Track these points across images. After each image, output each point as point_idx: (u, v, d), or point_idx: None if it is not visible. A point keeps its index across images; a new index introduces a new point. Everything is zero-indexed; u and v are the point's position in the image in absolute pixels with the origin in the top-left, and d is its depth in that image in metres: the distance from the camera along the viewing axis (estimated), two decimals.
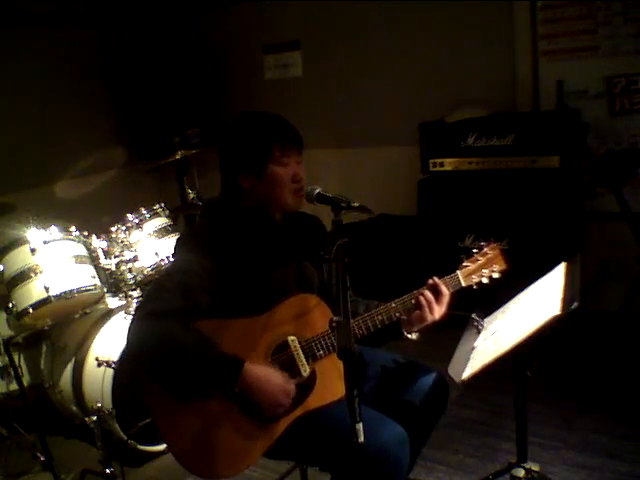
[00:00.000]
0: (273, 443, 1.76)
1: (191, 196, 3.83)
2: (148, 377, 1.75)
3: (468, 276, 1.99)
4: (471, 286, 1.99)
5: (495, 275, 2.01)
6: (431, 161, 3.78)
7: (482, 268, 2.00)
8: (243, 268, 1.81)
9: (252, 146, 1.84)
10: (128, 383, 2.68)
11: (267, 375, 1.72)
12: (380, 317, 1.87)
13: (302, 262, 1.96)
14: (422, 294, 1.89)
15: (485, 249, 2.02)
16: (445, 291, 1.92)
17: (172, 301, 1.69)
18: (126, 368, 2.69)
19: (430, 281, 1.93)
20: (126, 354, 2.56)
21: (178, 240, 1.92)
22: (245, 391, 1.69)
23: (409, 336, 1.94)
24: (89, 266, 2.85)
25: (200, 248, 1.79)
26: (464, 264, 2.00)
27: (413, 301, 1.90)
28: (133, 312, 1.78)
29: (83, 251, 2.86)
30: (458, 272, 1.98)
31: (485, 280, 2.00)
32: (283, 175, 1.84)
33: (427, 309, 1.88)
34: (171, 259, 1.91)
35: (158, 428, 1.74)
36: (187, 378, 1.70)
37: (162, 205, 3.19)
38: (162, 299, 1.70)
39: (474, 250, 2.02)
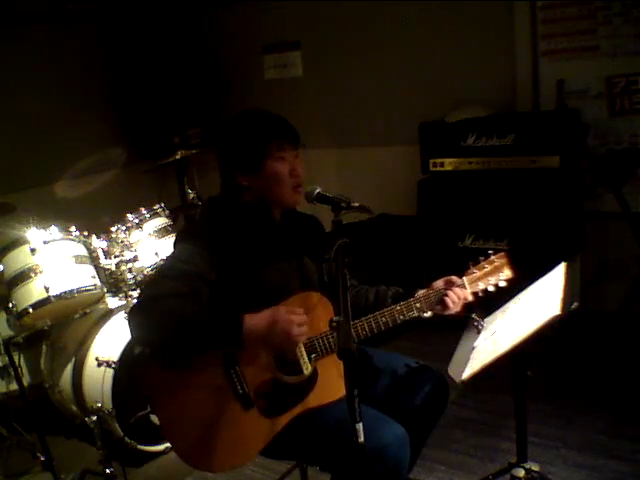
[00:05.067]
0: (273, 438, 1.76)
1: (191, 196, 3.84)
2: (154, 356, 1.75)
3: (474, 282, 1.99)
4: (477, 293, 2.00)
5: (501, 283, 2.01)
6: (431, 161, 3.78)
7: (488, 276, 2.00)
8: (243, 262, 1.82)
9: (249, 144, 1.85)
10: (128, 383, 2.68)
11: (270, 316, 1.70)
12: (384, 319, 1.87)
13: (302, 258, 1.97)
14: (450, 295, 1.93)
15: (492, 257, 2.02)
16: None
17: (171, 285, 1.70)
18: (127, 366, 2.69)
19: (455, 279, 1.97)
20: (131, 337, 2.56)
21: (178, 233, 1.93)
22: (254, 340, 1.68)
23: (424, 315, 1.95)
24: (89, 266, 2.85)
25: (200, 240, 1.80)
26: (470, 270, 2.01)
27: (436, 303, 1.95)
28: (134, 301, 1.80)
29: (83, 251, 2.86)
30: (464, 278, 1.99)
31: (491, 288, 2.01)
32: (282, 170, 1.85)
33: (452, 305, 1.94)
34: (171, 252, 1.91)
35: (159, 420, 1.75)
36: (191, 347, 1.71)
37: (162, 205, 3.19)
38: (161, 284, 1.71)
39: (481, 257, 2.02)
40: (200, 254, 1.77)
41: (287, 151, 1.86)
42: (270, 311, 1.71)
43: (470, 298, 1.97)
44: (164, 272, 1.77)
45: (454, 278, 1.98)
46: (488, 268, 2.01)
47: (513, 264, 2.04)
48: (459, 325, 2.07)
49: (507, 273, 2.03)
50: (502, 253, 2.05)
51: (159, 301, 1.67)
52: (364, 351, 2.04)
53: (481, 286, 2.00)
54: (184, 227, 2.18)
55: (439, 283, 1.98)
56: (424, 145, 3.84)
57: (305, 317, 1.73)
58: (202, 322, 1.68)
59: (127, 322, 1.71)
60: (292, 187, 1.86)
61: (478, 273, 2.01)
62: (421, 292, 1.97)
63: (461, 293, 1.95)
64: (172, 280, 1.71)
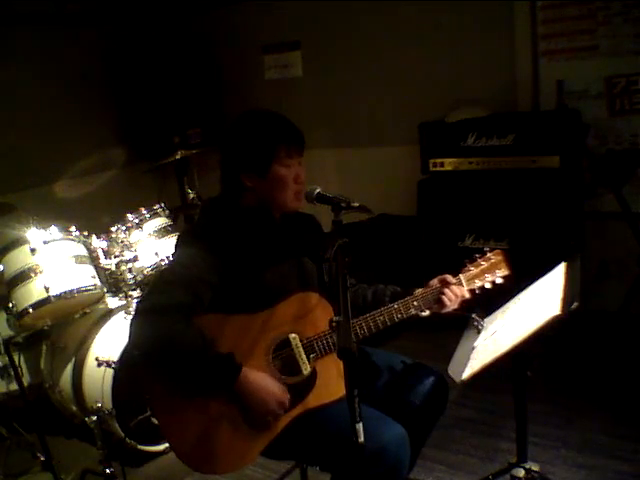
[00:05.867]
0: (273, 440, 1.77)
1: (191, 196, 3.84)
2: (150, 370, 1.76)
3: (471, 280, 2.00)
4: (474, 290, 2.00)
5: (498, 280, 2.02)
6: (431, 161, 3.78)
7: (485, 273, 2.01)
8: (243, 264, 1.81)
9: (258, 146, 1.84)
10: (128, 383, 2.68)
11: (263, 383, 1.73)
12: (382, 318, 1.87)
13: (302, 258, 1.97)
14: (446, 293, 1.93)
15: (489, 254, 2.03)
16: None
17: (174, 295, 1.69)
18: (127, 366, 2.69)
19: (450, 278, 1.97)
20: (129, 347, 2.56)
21: (179, 236, 1.93)
22: (240, 395, 1.71)
23: (422, 314, 1.95)
24: (89, 266, 2.85)
25: (201, 243, 1.80)
26: (467, 268, 2.01)
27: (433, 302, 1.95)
28: (136, 305, 1.79)
29: (83, 251, 2.86)
30: (461, 276, 1.99)
31: (488, 285, 2.01)
32: (287, 176, 1.85)
33: (449, 303, 1.94)
34: (173, 255, 1.91)
35: (159, 423, 1.75)
36: (186, 376, 1.72)
37: (162, 205, 3.19)
38: (165, 292, 1.71)
39: (477, 255, 2.02)
40: (202, 257, 1.76)
41: (294, 157, 1.86)
42: (268, 379, 1.74)
43: (467, 295, 1.98)
44: (167, 278, 1.77)
45: (449, 277, 1.98)
46: (484, 265, 2.02)
47: (509, 261, 2.04)
48: (459, 325, 2.07)
49: (503, 270, 2.03)
50: (498, 250, 2.05)
51: (162, 315, 1.66)
52: (364, 351, 2.04)
53: (478, 283, 2.00)
54: (185, 230, 2.18)
55: (434, 282, 1.98)
56: (424, 145, 3.84)
57: (288, 402, 1.76)
58: (201, 358, 1.68)
59: (129, 326, 1.71)
60: (294, 193, 1.86)
61: (474, 270, 2.01)
62: (419, 291, 1.97)
63: (458, 290, 1.95)
64: (175, 287, 1.71)
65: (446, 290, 1.94)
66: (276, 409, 1.74)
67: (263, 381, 1.73)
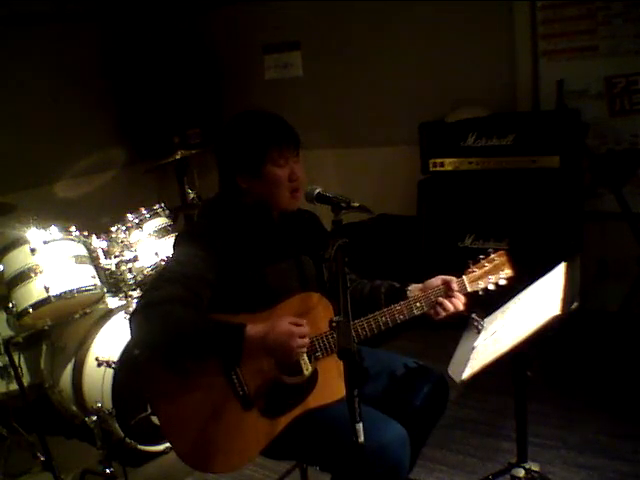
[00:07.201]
0: (273, 440, 1.77)
1: (191, 196, 3.84)
2: (155, 364, 1.75)
3: (474, 281, 1.99)
4: (477, 292, 1.99)
5: (502, 282, 2.01)
6: (431, 161, 3.78)
7: (488, 274, 2.00)
8: (242, 262, 1.81)
9: (249, 148, 1.84)
10: (128, 383, 2.69)
11: (271, 328, 1.70)
12: (384, 319, 1.87)
13: (301, 257, 1.97)
14: (444, 304, 1.90)
15: (492, 255, 2.02)
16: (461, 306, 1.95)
17: (171, 290, 1.69)
18: (127, 366, 2.69)
19: (454, 285, 1.94)
20: (131, 343, 2.56)
21: (177, 236, 1.93)
22: (255, 351, 1.69)
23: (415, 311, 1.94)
24: (89, 266, 2.85)
25: (199, 242, 1.80)
26: (470, 269, 2.00)
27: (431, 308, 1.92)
28: (135, 305, 1.80)
29: (83, 251, 2.86)
30: (464, 277, 1.98)
31: (491, 286, 2.00)
32: (281, 175, 1.84)
33: (443, 314, 1.91)
34: (171, 255, 1.91)
35: (159, 422, 1.75)
36: (192, 355, 1.72)
37: (162, 205, 3.19)
38: (161, 289, 1.71)
39: (481, 256, 2.02)
40: (200, 256, 1.76)
41: (287, 156, 1.85)
42: (271, 322, 1.71)
43: (461, 308, 1.94)
44: (164, 276, 1.77)
45: (452, 278, 1.95)
46: (488, 267, 2.01)
47: (513, 262, 2.03)
48: (459, 325, 2.07)
49: (507, 271, 2.02)
50: (502, 251, 2.05)
51: (160, 306, 1.67)
52: (364, 351, 2.04)
53: (481, 285, 1.99)
54: (183, 229, 2.18)
55: (437, 282, 1.95)
56: (424, 145, 3.84)
57: (307, 329, 1.72)
58: (203, 329, 1.68)
59: (128, 324, 1.71)
60: (290, 191, 1.86)
61: (478, 272, 2.00)
62: (414, 286, 1.97)
63: (458, 304, 1.92)
64: (173, 284, 1.71)
65: (446, 303, 1.91)
66: (296, 342, 1.69)
67: (269, 327, 1.70)
